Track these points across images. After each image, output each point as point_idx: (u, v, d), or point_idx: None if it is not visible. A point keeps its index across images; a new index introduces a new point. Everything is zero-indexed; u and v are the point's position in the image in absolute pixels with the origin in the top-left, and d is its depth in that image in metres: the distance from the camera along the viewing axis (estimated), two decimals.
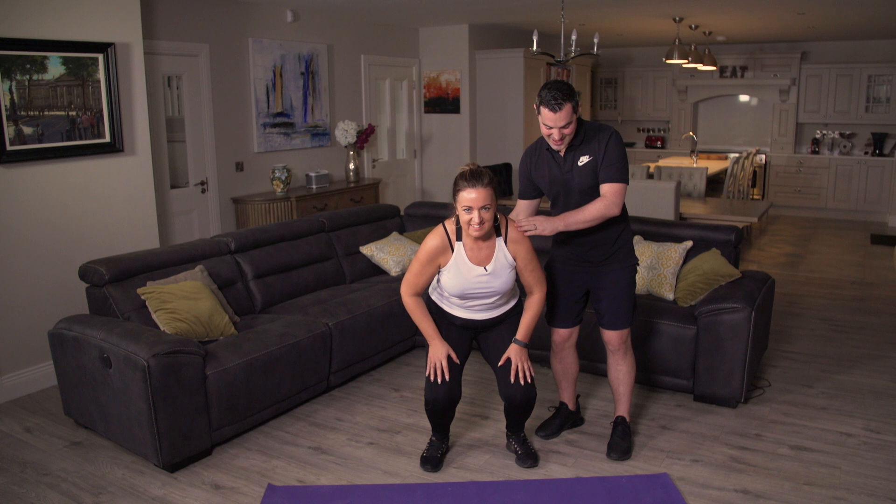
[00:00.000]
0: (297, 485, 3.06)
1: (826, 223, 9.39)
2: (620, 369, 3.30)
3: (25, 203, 4.01)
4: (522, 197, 3.25)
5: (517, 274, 3.01)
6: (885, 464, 3.15)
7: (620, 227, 3.13)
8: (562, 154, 3.04)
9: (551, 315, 3.32)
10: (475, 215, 2.75)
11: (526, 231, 2.92)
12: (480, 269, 2.89)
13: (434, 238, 2.91)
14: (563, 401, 3.53)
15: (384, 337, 4.27)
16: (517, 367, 3.00)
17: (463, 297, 2.97)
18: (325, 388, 3.94)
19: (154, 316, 3.49)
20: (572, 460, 3.25)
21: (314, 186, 6.57)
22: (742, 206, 6.94)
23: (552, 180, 3.10)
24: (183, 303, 3.55)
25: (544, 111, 2.89)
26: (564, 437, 3.45)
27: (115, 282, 3.62)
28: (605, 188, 2.98)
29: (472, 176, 2.75)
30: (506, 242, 2.92)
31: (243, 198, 6.05)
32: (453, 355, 3.01)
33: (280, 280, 4.39)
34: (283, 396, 3.63)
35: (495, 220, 2.88)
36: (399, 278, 4.71)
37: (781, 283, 6.04)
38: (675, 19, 7.62)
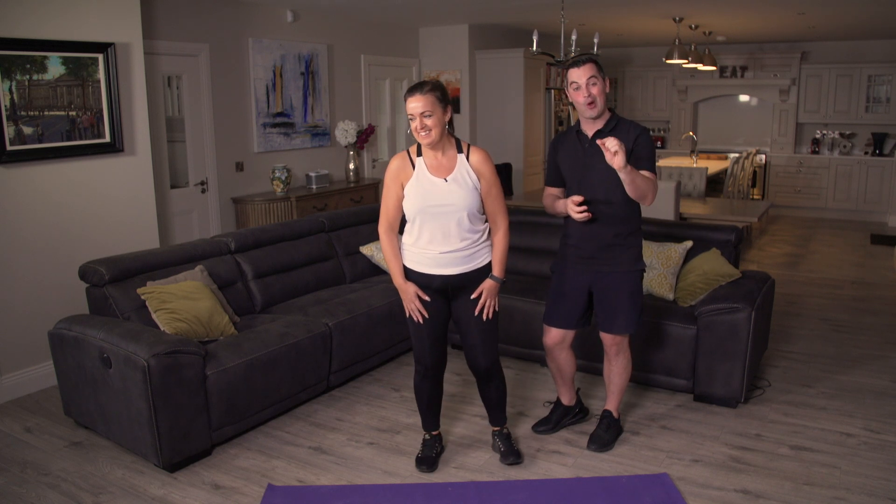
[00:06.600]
0: (297, 485, 3.06)
1: (826, 223, 9.39)
2: (612, 369, 3.33)
3: (25, 203, 4.01)
4: (549, 184, 3.31)
5: (482, 204, 2.96)
6: (885, 464, 3.15)
7: (632, 227, 3.13)
8: (589, 135, 3.09)
9: (547, 311, 3.31)
10: (418, 122, 2.83)
11: (607, 146, 2.80)
12: (440, 180, 2.90)
13: (395, 159, 2.99)
14: (560, 398, 3.53)
15: (384, 337, 4.27)
16: (483, 303, 3.00)
17: (424, 214, 2.90)
18: (325, 388, 3.94)
19: (154, 316, 3.49)
20: (572, 460, 3.25)
21: (314, 186, 6.57)
22: (742, 206, 6.94)
23: (573, 165, 3.13)
24: (183, 303, 3.55)
25: (570, 71, 3.05)
26: (564, 437, 3.45)
27: (115, 282, 3.62)
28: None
29: (415, 86, 2.86)
30: (468, 159, 2.94)
31: (243, 198, 6.05)
32: (421, 293, 2.98)
33: (280, 280, 4.39)
34: (283, 396, 3.63)
35: (457, 142, 2.95)
36: None
37: (781, 283, 6.04)
38: (675, 19, 7.62)
